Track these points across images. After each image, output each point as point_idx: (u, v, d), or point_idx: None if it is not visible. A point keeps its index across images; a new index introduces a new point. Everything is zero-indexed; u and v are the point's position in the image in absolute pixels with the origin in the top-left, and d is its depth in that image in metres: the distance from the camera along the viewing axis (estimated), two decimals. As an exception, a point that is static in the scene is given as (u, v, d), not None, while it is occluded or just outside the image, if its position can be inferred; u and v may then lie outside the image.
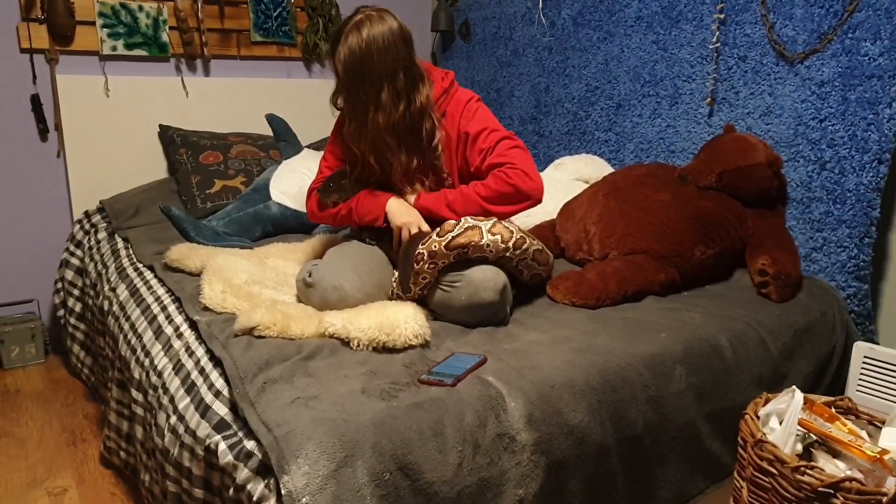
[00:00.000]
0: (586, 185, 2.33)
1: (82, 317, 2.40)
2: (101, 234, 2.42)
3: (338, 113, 1.75)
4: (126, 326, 1.74)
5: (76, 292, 2.45)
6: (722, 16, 2.04)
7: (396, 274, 1.63)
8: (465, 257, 1.54)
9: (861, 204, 1.76)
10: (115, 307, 1.88)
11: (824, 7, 1.79)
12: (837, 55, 1.77)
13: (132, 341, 1.67)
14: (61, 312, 2.52)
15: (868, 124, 1.73)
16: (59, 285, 2.54)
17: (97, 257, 2.28)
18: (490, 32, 2.95)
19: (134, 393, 1.59)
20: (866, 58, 1.71)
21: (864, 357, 1.74)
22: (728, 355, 1.52)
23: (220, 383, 1.31)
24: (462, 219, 1.55)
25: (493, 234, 1.53)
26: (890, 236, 1.83)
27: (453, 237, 1.52)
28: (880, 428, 1.35)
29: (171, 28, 2.73)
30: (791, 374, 1.64)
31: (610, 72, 2.43)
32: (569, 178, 2.38)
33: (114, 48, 2.65)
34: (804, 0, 1.83)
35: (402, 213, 1.65)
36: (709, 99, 2.11)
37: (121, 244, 2.25)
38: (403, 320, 1.39)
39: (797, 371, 1.66)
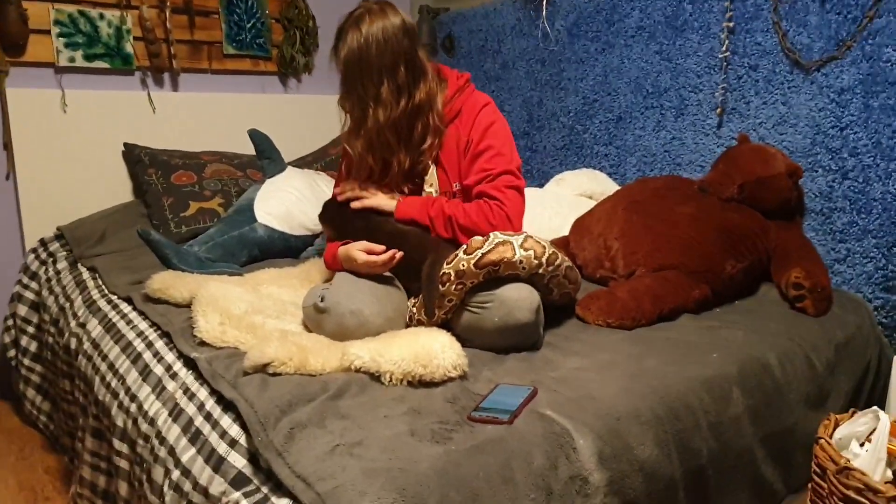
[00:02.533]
0: (590, 201, 2.24)
1: (39, 357, 2.13)
2: (62, 264, 2.16)
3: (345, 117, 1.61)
4: (103, 367, 1.52)
5: (31, 330, 2.18)
6: (731, 24, 1.99)
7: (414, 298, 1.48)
8: (496, 275, 1.40)
9: (888, 213, 1.71)
10: (87, 345, 1.65)
11: (842, 14, 1.75)
12: (857, 62, 1.73)
13: (112, 384, 1.45)
14: (12, 353, 2.24)
15: (893, 131, 1.68)
16: (10, 322, 2.26)
17: (58, 290, 2.03)
18: (476, 46, 2.85)
19: (116, 443, 1.37)
20: (889, 64, 1.68)
21: (901, 371, 1.67)
22: (778, 374, 1.42)
23: (234, 430, 1.12)
24: (490, 234, 1.41)
25: (526, 250, 1.39)
26: (912, 246, 1.79)
27: (483, 254, 1.38)
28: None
29: (135, 38, 2.51)
30: (834, 392, 1.56)
31: (609, 84, 2.36)
32: (571, 193, 2.28)
33: (72, 59, 2.41)
34: (819, 7, 1.80)
35: (351, 263, 1.51)
36: (719, 109, 2.05)
37: (86, 274, 2.01)
38: (440, 349, 1.23)
39: (839, 388, 1.57)
